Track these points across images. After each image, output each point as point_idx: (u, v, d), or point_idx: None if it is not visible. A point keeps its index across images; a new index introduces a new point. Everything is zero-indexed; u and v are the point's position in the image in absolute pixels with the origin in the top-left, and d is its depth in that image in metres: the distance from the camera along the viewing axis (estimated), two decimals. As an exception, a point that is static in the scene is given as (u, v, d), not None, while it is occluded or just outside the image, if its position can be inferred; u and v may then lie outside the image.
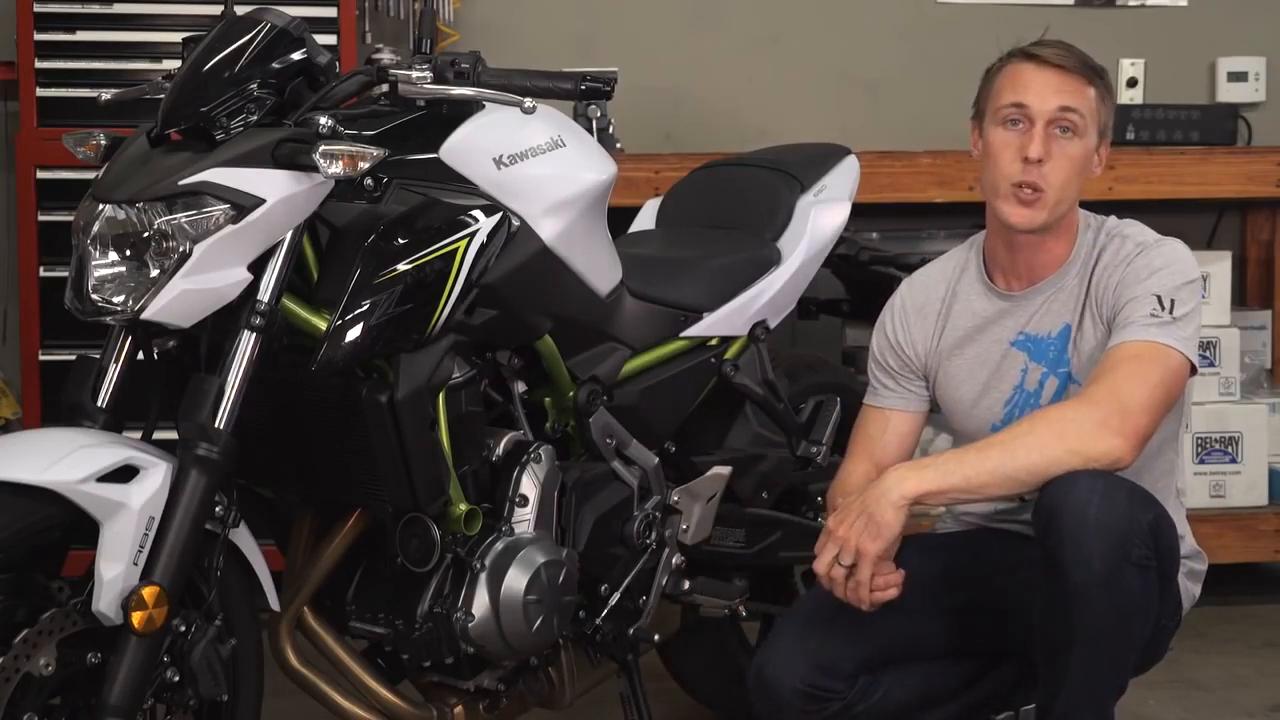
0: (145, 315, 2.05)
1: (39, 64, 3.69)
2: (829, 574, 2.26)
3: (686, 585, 2.73)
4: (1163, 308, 2.30)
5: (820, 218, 2.96)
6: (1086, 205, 2.54)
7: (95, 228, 2.08)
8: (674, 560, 2.68)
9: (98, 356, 2.18)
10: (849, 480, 2.51)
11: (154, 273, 2.04)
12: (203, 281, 2.04)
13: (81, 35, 3.71)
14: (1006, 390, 2.47)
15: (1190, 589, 2.48)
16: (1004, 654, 2.46)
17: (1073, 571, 2.15)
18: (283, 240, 2.11)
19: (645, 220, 3.11)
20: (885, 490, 2.23)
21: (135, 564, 1.99)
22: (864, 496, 2.26)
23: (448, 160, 2.28)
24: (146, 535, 2.00)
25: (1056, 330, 2.44)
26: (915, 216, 3.86)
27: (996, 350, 2.49)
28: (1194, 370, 2.33)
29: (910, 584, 2.43)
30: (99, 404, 2.15)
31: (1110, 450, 2.21)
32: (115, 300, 2.06)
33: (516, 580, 2.34)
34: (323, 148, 2.05)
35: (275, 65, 2.15)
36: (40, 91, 3.69)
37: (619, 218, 2.80)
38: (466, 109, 2.31)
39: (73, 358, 2.22)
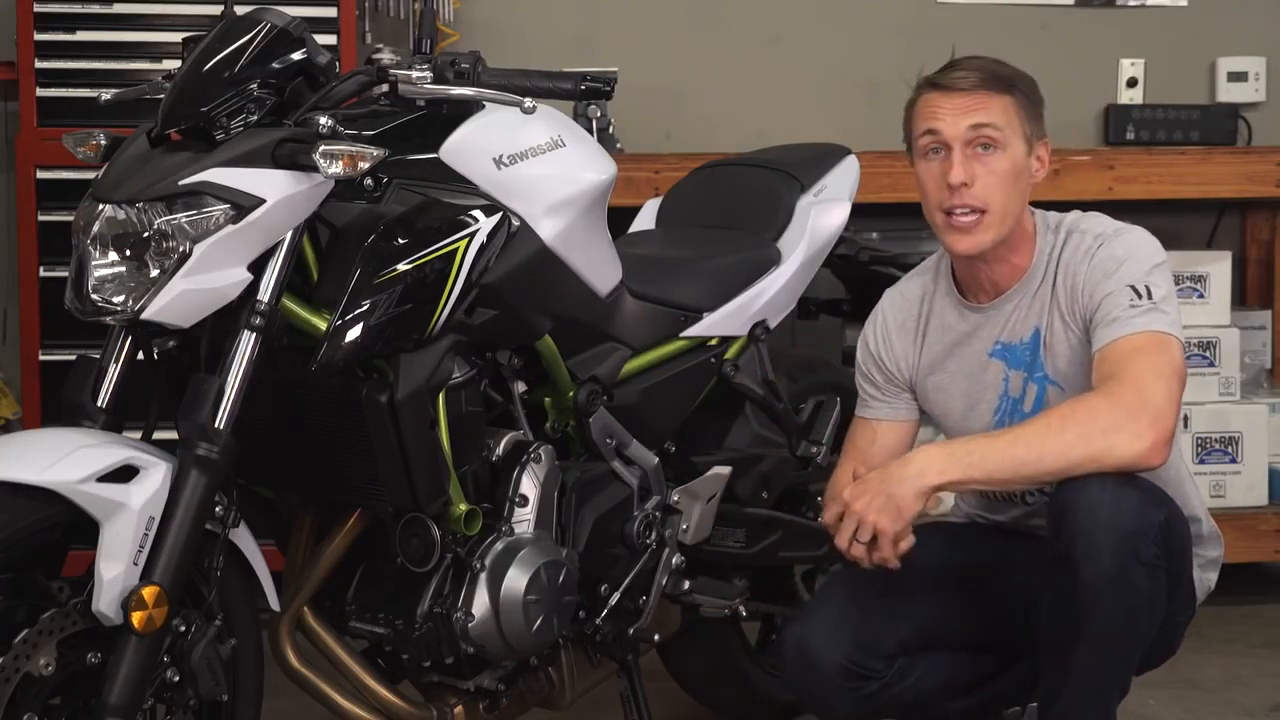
0: (145, 315, 2.05)
1: (39, 64, 3.70)
2: (849, 550, 2.26)
3: (686, 585, 2.73)
4: (1139, 295, 2.29)
5: (820, 218, 2.96)
6: (1086, 206, 2.54)
7: (95, 228, 2.08)
8: (674, 560, 2.68)
9: (98, 356, 2.18)
10: (841, 486, 2.50)
11: (154, 273, 2.04)
12: (203, 281, 2.04)
13: (81, 35, 3.71)
14: (993, 400, 2.47)
15: (1204, 579, 2.48)
16: (1022, 651, 2.46)
17: (1083, 569, 2.15)
18: (283, 240, 2.11)
19: (645, 220, 3.11)
20: (908, 476, 2.23)
21: (135, 564, 1.99)
22: (885, 475, 2.25)
23: (448, 160, 2.28)
24: (146, 535, 2.00)
25: (1028, 335, 2.43)
26: (915, 216, 3.81)
27: (977, 362, 2.48)
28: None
29: (943, 574, 2.45)
30: (99, 404, 2.15)
31: (1139, 450, 2.19)
32: (115, 300, 2.06)
33: (516, 580, 2.34)
34: (323, 148, 2.05)
35: (275, 65, 2.15)
36: (40, 91, 3.70)
37: (619, 218, 2.80)
38: (466, 109, 2.31)
39: (73, 358, 2.22)
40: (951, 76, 2.38)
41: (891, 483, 2.23)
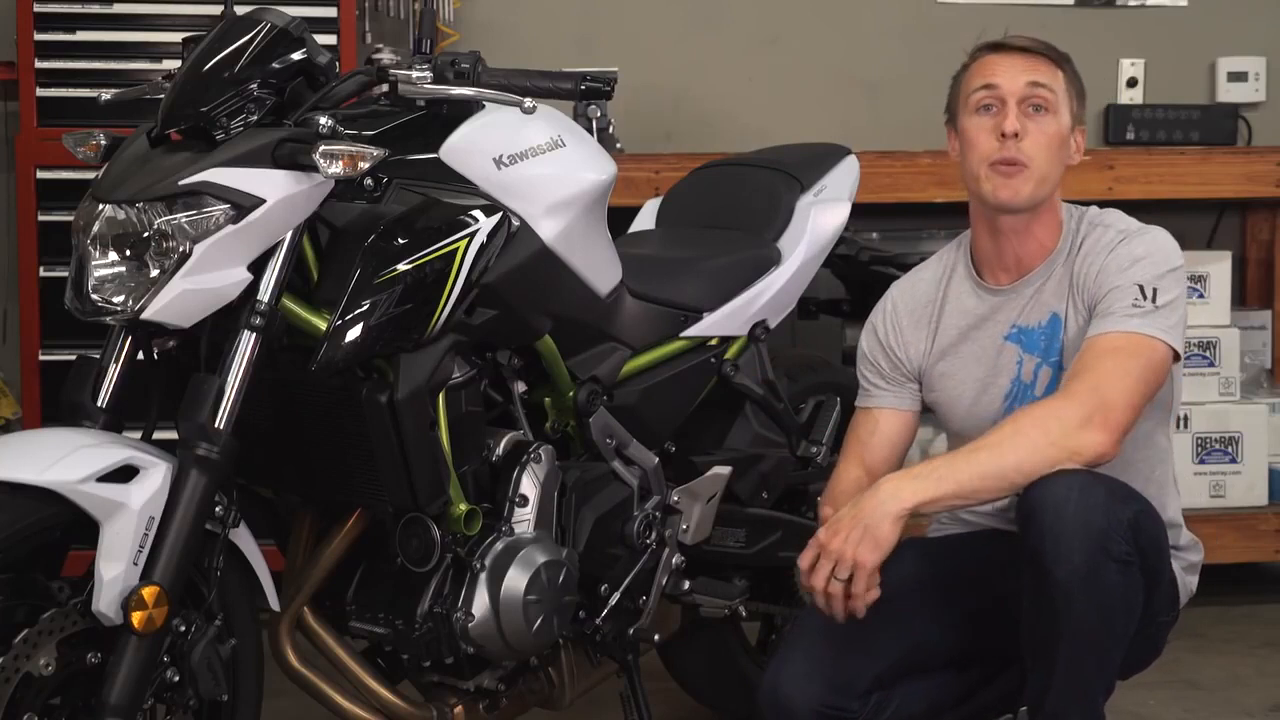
0: (145, 315, 2.05)
1: (39, 64, 3.70)
2: (826, 589, 2.24)
3: (686, 585, 2.73)
4: (1144, 297, 2.32)
5: (820, 218, 2.96)
6: (1087, 206, 2.54)
7: (95, 228, 2.08)
8: (674, 560, 2.68)
9: (98, 356, 2.17)
10: (840, 485, 2.51)
11: (154, 273, 2.04)
12: (203, 281, 2.04)
13: (81, 35, 3.72)
14: (1004, 384, 2.47)
15: (1187, 581, 2.48)
16: (1009, 658, 2.46)
17: (1053, 568, 2.15)
18: (283, 240, 2.11)
19: (645, 220, 3.11)
20: (881, 502, 2.22)
21: (135, 564, 1.99)
22: (857, 508, 2.24)
23: (448, 160, 2.28)
24: (146, 535, 2.00)
25: (1045, 320, 2.44)
26: (915, 216, 3.86)
27: (991, 346, 2.49)
28: (1178, 356, 2.35)
29: (916, 593, 2.43)
30: (99, 404, 2.15)
31: (1093, 446, 2.22)
32: (115, 300, 2.06)
33: (516, 580, 2.34)
34: (323, 148, 2.05)
35: (275, 65, 2.15)
36: (40, 91, 3.70)
37: (619, 218, 2.80)
38: (466, 109, 2.31)
39: (73, 358, 2.22)
40: (1013, 39, 2.45)
41: (865, 514, 2.22)
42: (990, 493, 2.28)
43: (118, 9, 3.72)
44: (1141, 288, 2.32)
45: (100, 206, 2.08)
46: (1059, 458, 2.21)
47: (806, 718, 2.36)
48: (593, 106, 3.91)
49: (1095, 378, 2.26)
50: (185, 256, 2.03)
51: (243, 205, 2.05)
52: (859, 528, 2.22)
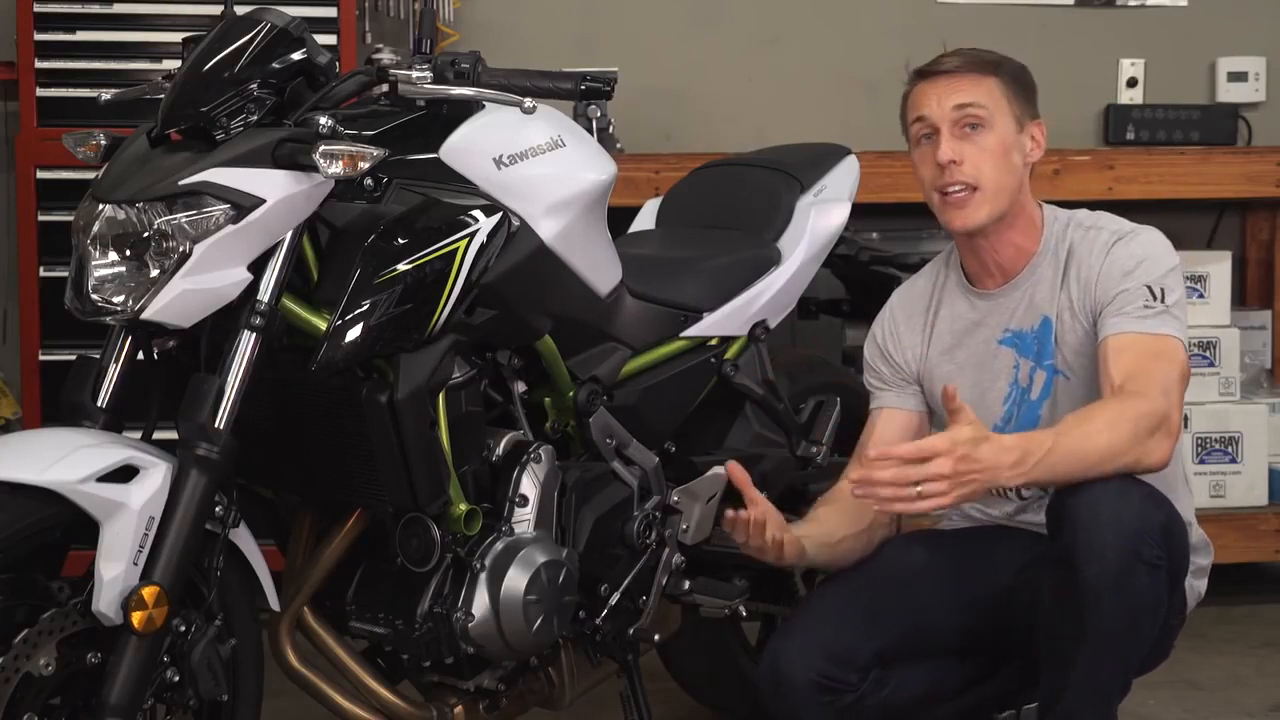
0: (145, 315, 2.05)
1: (39, 64, 3.70)
2: (900, 492, 2.12)
3: (686, 585, 2.73)
4: (1154, 297, 2.34)
5: (820, 218, 2.96)
6: (1086, 206, 2.55)
7: (95, 228, 2.08)
8: (674, 560, 2.68)
9: (98, 356, 2.17)
10: (841, 485, 2.53)
11: (154, 273, 2.04)
12: (203, 281, 2.04)
13: (81, 35, 3.72)
14: (1003, 388, 2.48)
15: (1196, 586, 2.49)
16: (1010, 653, 2.46)
17: (1085, 568, 2.16)
18: (283, 240, 2.11)
19: (645, 220, 3.12)
20: (995, 475, 2.14)
21: (135, 564, 1.99)
22: (994, 467, 2.12)
23: (448, 160, 2.28)
24: (146, 535, 2.00)
25: (1037, 324, 2.46)
26: (915, 216, 3.84)
27: (986, 350, 2.50)
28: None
29: (921, 577, 2.44)
30: (99, 404, 2.15)
31: (1161, 453, 2.24)
32: (115, 300, 2.06)
33: (516, 580, 2.34)
34: (323, 148, 2.05)
35: (275, 65, 2.15)
36: (40, 91, 3.70)
37: (619, 218, 2.80)
38: (466, 109, 2.31)
39: (73, 358, 2.22)
40: (936, 63, 2.46)
41: (992, 474, 2.13)
42: (1072, 480, 2.23)
43: (118, 9, 3.72)
44: (1150, 288, 2.34)
45: (100, 206, 2.08)
46: (1130, 462, 2.21)
47: (805, 688, 2.36)
48: (593, 106, 3.91)
49: (1161, 387, 2.26)
50: (185, 256, 2.03)
51: (243, 205, 2.05)
52: (978, 485, 2.13)
